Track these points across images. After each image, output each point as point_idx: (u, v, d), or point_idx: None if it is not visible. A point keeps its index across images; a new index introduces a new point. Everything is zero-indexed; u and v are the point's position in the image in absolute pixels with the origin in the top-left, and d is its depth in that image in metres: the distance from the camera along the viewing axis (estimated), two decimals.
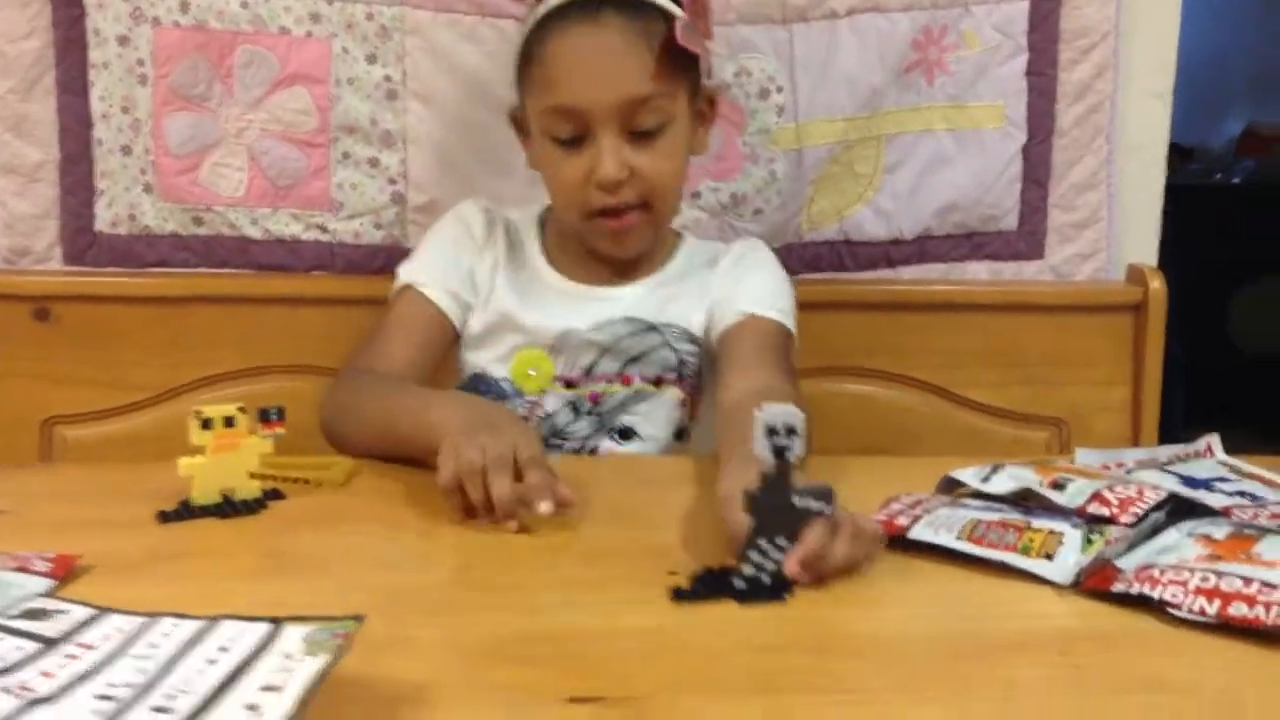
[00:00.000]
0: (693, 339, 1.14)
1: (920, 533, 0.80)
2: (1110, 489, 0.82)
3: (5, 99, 1.28)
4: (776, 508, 0.72)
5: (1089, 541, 0.76)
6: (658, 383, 1.13)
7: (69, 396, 1.31)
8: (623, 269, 1.16)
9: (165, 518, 0.85)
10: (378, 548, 0.81)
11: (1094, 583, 0.73)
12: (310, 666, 0.55)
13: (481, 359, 1.15)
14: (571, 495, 0.83)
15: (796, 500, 0.72)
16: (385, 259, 1.34)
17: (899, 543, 0.80)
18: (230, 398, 0.90)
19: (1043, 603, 0.72)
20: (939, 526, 0.80)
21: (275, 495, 0.90)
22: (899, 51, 1.34)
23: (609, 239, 1.11)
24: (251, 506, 0.87)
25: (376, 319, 1.15)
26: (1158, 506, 0.80)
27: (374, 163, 1.33)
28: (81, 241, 1.33)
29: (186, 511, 0.86)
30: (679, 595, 0.71)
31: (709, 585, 0.72)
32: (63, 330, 1.31)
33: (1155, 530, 0.79)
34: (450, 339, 1.15)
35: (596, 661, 0.63)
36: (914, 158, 1.37)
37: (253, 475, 0.90)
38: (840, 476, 0.98)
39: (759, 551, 0.72)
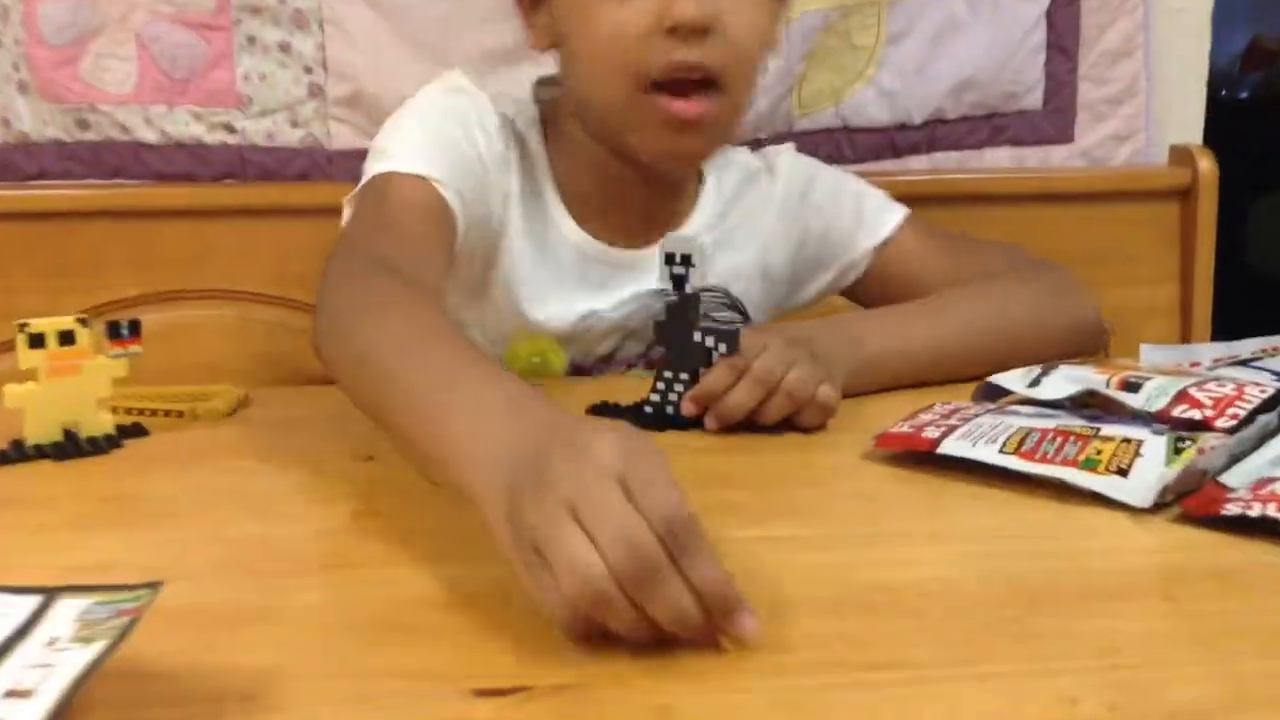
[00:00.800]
0: (734, 305, 0.91)
1: (954, 447, 0.62)
2: (1199, 387, 0.64)
3: None
4: (681, 341, 0.72)
5: (1176, 452, 0.58)
6: None
7: None
8: (654, 214, 0.88)
9: None
10: (255, 489, 0.63)
11: (1196, 505, 0.55)
12: (76, 660, 0.37)
13: (465, 322, 0.85)
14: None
15: (698, 336, 0.72)
16: (305, 163, 1.15)
17: (927, 460, 0.62)
18: None
19: (1128, 535, 0.54)
20: (978, 439, 0.62)
21: (136, 432, 0.72)
22: None
23: (667, 132, 0.80)
24: (101, 445, 0.69)
25: (367, 212, 0.79)
26: (1265, 406, 0.62)
27: (285, 48, 1.13)
28: None
29: (17, 453, 0.67)
30: (593, 409, 0.74)
31: (620, 409, 0.74)
32: None
33: (1264, 437, 0.61)
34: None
35: (524, 634, 0.45)
36: (921, 26, 1.17)
37: (113, 409, 0.71)
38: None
39: (665, 382, 0.73)
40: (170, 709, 0.39)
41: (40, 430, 0.68)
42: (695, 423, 0.71)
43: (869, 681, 0.41)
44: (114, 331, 0.69)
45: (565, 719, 0.39)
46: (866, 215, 0.95)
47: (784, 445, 0.68)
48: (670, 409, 0.72)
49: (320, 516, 0.58)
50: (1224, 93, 3.65)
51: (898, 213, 0.95)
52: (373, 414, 0.60)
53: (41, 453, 0.67)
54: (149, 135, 1.14)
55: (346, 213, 0.81)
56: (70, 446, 0.68)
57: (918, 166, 1.20)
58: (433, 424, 0.52)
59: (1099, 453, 0.58)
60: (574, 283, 0.87)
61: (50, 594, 0.41)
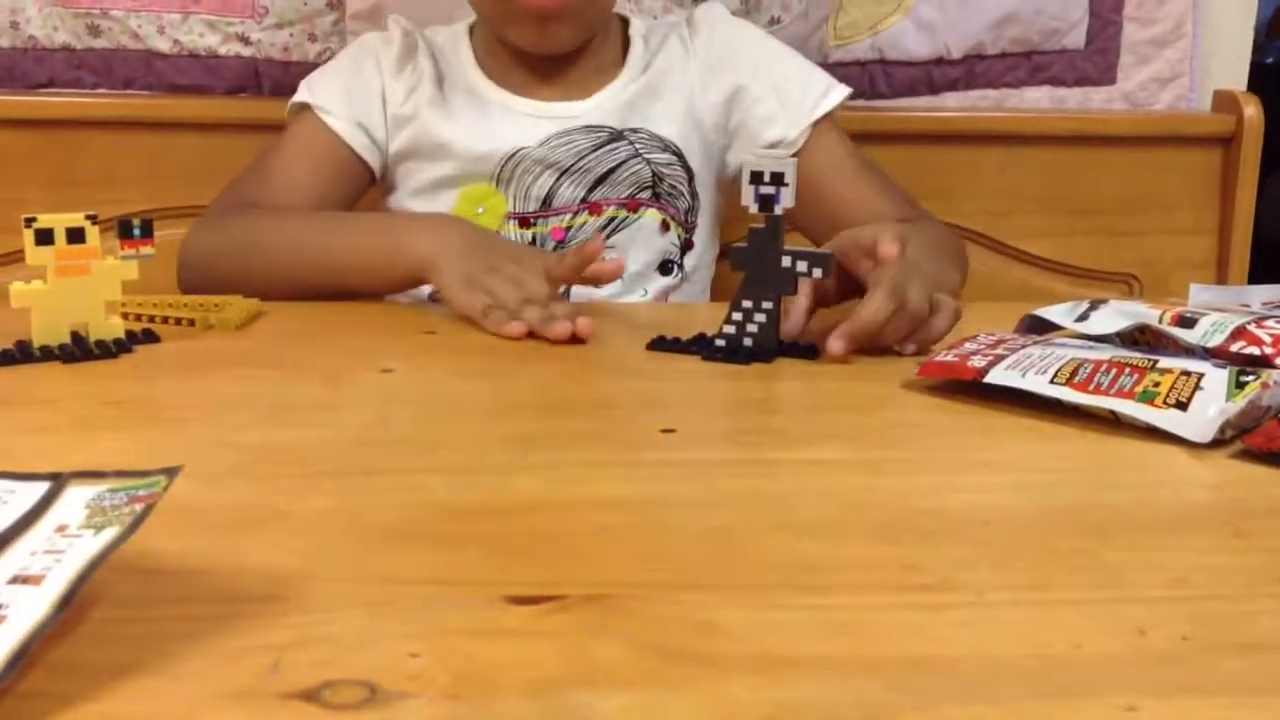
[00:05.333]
0: (668, 147, 0.93)
1: (1002, 376, 0.59)
2: (1258, 324, 0.61)
3: None
4: (765, 266, 0.66)
5: (1238, 386, 0.55)
6: (633, 206, 0.92)
7: None
8: (577, 78, 0.94)
9: None
10: (269, 397, 0.60)
11: (1258, 441, 0.52)
12: (87, 547, 0.34)
13: (416, 204, 0.94)
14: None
15: (786, 260, 0.66)
16: None
17: (971, 390, 0.59)
18: None
19: (1188, 470, 0.52)
20: (1026, 368, 0.59)
21: (147, 338, 0.69)
22: None
23: (531, 23, 0.88)
24: (110, 349, 0.66)
25: (266, 145, 0.95)
26: None
27: None
28: None
29: (21, 354, 0.65)
30: (650, 346, 0.69)
31: (686, 342, 0.69)
32: None
33: None
34: (362, 182, 0.94)
35: (557, 544, 0.43)
36: None
37: (123, 314, 0.69)
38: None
39: (743, 312, 0.67)
40: (183, 607, 0.37)
41: (47, 331, 0.65)
42: (769, 354, 0.67)
43: (925, 603, 0.38)
44: (125, 231, 0.66)
45: (602, 629, 0.36)
46: (804, 81, 0.95)
47: (822, 372, 0.66)
48: (747, 339, 0.67)
49: (336, 424, 0.56)
50: (1251, 58, 3.60)
51: (836, 92, 0.95)
52: (305, 285, 0.81)
53: (48, 354, 0.65)
54: (161, 44, 1.10)
55: None
56: (78, 349, 0.65)
57: (954, 103, 1.17)
58: (395, 246, 0.79)
59: (1156, 385, 0.56)
60: (495, 124, 0.93)
61: (60, 480, 0.38)
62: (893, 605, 0.38)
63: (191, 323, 0.71)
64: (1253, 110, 1.12)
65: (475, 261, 0.74)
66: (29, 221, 0.64)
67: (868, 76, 1.15)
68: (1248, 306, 0.74)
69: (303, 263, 0.81)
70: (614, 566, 0.41)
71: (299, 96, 0.95)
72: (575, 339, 0.69)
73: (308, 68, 1.11)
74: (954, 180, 1.13)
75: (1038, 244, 1.15)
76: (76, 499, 0.37)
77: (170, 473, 0.37)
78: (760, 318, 0.67)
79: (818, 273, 0.66)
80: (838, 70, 1.14)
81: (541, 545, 0.42)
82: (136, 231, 0.66)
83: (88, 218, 0.65)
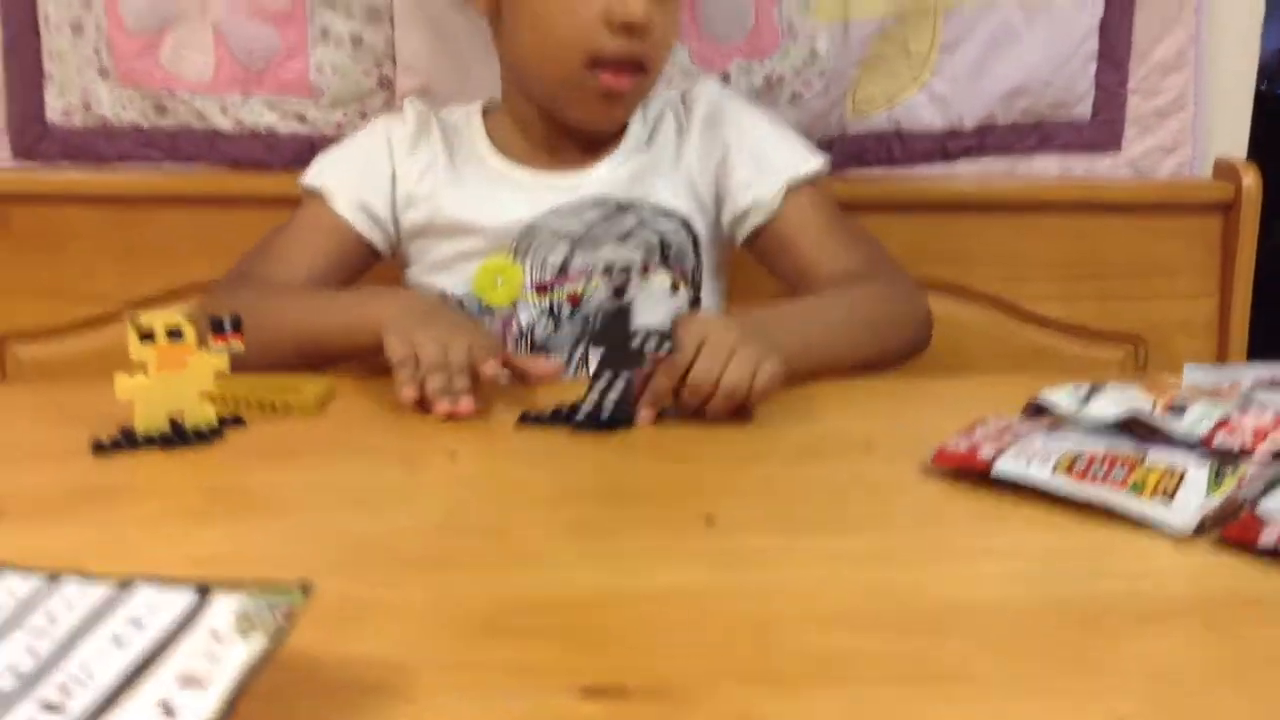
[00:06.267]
0: (668, 213, 1.01)
1: (1007, 466, 0.65)
2: (1240, 414, 0.68)
3: None
4: (618, 345, 0.78)
5: (1217, 482, 0.61)
6: (643, 269, 1.00)
7: (18, 309, 1.17)
8: (585, 149, 1.02)
9: (100, 449, 0.71)
10: (350, 484, 0.68)
11: (1234, 533, 0.59)
12: (241, 653, 0.42)
13: (435, 278, 1.02)
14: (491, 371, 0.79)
15: (634, 341, 0.77)
16: None
17: (983, 479, 0.66)
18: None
19: (1167, 558, 0.58)
20: (1030, 458, 0.66)
21: (235, 422, 0.76)
22: None
23: (599, 102, 0.96)
24: (205, 436, 0.73)
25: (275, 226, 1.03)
26: None
27: (357, 41, 1.17)
28: (31, 134, 1.18)
29: (127, 441, 0.72)
30: (523, 419, 0.78)
31: (554, 416, 0.77)
32: (10, 235, 1.16)
33: None
34: (366, 260, 1.02)
35: (619, 636, 0.50)
36: (976, 33, 1.19)
37: (210, 399, 0.76)
38: (903, 398, 0.86)
39: (602, 384, 0.77)
40: (313, 699, 0.44)
41: (148, 420, 0.73)
42: (627, 422, 0.76)
43: (937, 695, 0.45)
44: (216, 326, 0.74)
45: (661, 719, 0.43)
46: (786, 149, 1.02)
47: (842, 455, 0.72)
48: (605, 412, 0.76)
49: (416, 513, 0.63)
50: (1263, 87, 3.64)
51: (814, 160, 1.01)
52: (287, 352, 0.87)
53: (150, 442, 0.72)
54: (224, 123, 1.18)
55: None
56: (177, 437, 0.73)
57: (966, 171, 1.23)
58: (357, 316, 0.87)
59: (1145, 479, 0.62)
60: (506, 198, 1.00)
61: (206, 590, 0.45)
62: (910, 696, 0.45)
63: (274, 407, 0.79)
64: (1250, 179, 1.18)
65: (417, 320, 0.82)
66: (135, 322, 0.71)
67: (884, 147, 1.22)
68: (1239, 385, 0.80)
69: (289, 334, 0.89)
70: (666, 658, 0.47)
71: (306, 178, 1.02)
72: (453, 416, 0.76)
73: None
74: (967, 246, 1.20)
75: (1046, 306, 1.21)
76: (224, 607, 0.44)
77: (306, 589, 0.44)
78: (619, 386, 0.76)
79: (666, 347, 0.76)
80: (856, 142, 1.22)
81: (608, 638, 0.49)
82: (227, 326, 0.74)
83: (186, 318, 0.72)
